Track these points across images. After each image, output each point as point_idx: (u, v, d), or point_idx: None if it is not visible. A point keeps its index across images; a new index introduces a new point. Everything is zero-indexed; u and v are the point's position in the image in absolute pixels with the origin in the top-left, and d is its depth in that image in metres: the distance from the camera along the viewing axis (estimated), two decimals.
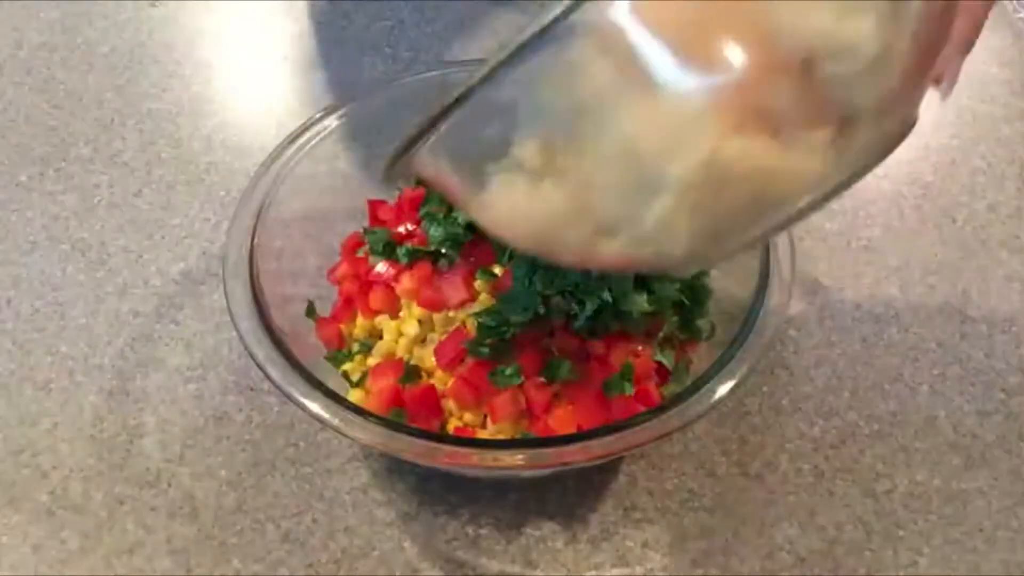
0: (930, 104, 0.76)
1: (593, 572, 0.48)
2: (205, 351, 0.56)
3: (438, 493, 0.50)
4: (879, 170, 0.71)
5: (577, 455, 0.42)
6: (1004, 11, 0.79)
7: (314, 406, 0.42)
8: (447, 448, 0.42)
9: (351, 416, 0.42)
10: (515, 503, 0.50)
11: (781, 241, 0.48)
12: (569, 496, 0.51)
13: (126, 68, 0.74)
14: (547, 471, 0.49)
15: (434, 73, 0.57)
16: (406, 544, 0.49)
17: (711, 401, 0.42)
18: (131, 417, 0.54)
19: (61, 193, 0.65)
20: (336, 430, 0.42)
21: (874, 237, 0.63)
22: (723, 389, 0.42)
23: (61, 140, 0.69)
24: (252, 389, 0.54)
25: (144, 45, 0.76)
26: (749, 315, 0.46)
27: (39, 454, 0.52)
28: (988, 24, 0.81)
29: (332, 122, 0.54)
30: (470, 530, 0.49)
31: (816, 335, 0.57)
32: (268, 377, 0.43)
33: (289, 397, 0.43)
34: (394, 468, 0.51)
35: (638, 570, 0.48)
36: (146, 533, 0.49)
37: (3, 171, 0.67)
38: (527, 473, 0.49)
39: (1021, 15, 0.79)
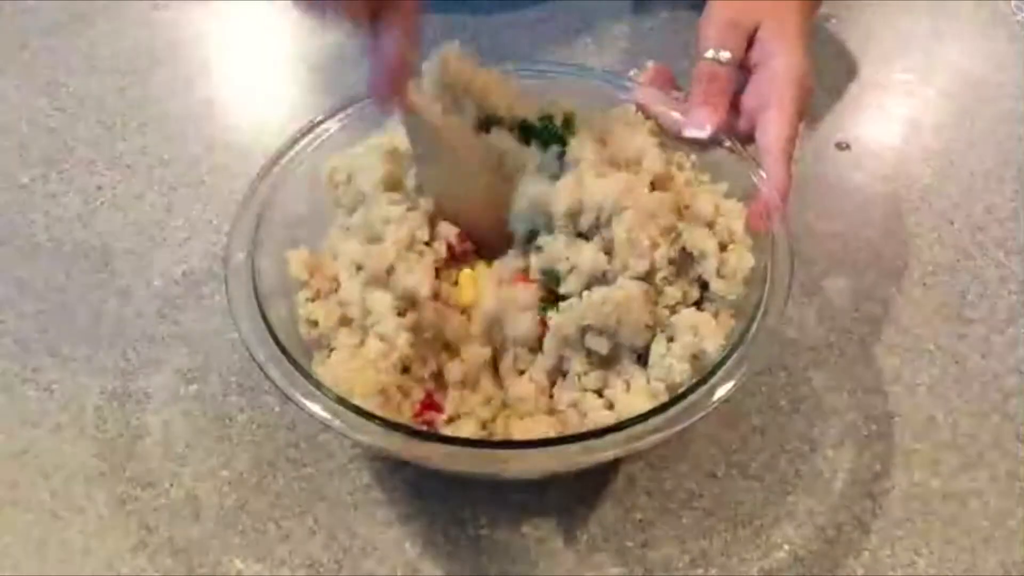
0: (929, 107, 0.77)
1: (593, 572, 0.48)
2: (207, 352, 0.57)
3: (439, 493, 0.51)
4: (878, 172, 0.73)
5: (576, 457, 0.42)
6: (1002, 13, 0.79)
7: (315, 407, 0.42)
8: (446, 449, 0.42)
9: (352, 417, 0.42)
10: (515, 503, 0.50)
11: (780, 244, 0.48)
12: (569, 496, 0.51)
13: (129, 70, 0.74)
14: (546, 473, 0.49)
15: None
16: (407, 544, 0.49)
17: (710, 402, 0.42)
18: (133, 418, 0.54)
19: (64, 195, 0.66)
20: (337, 431, 0.42)
21: (872, 239, 0.63)
22: (723, 390, 0.43)
23: (64, 142, 0.69)
24: (253, 390, 0.55)
25: (147, 47, 0.76)
26: (749, 317, 0.46)
27: (42, 455, 0.52)
28: (986, 26, 0.82)
29: (333, 125, 0.54)
30: (471, 530, 0.50)
31: (815, 336, 0.57)
32: (269, 378, 0.43)
33: (290, 398, 0.43)
34: (395, 468, 0.52)
35: (638, 570, 0.48)
36: (148, 533, 0.49)
37: (6, 173, 0.67)
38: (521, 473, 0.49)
39: (1019, 17, 0.79)
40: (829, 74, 0.74)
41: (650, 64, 0.58)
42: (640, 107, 0.55)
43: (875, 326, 0.58)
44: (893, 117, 0.71)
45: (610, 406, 0.46)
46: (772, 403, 0.54)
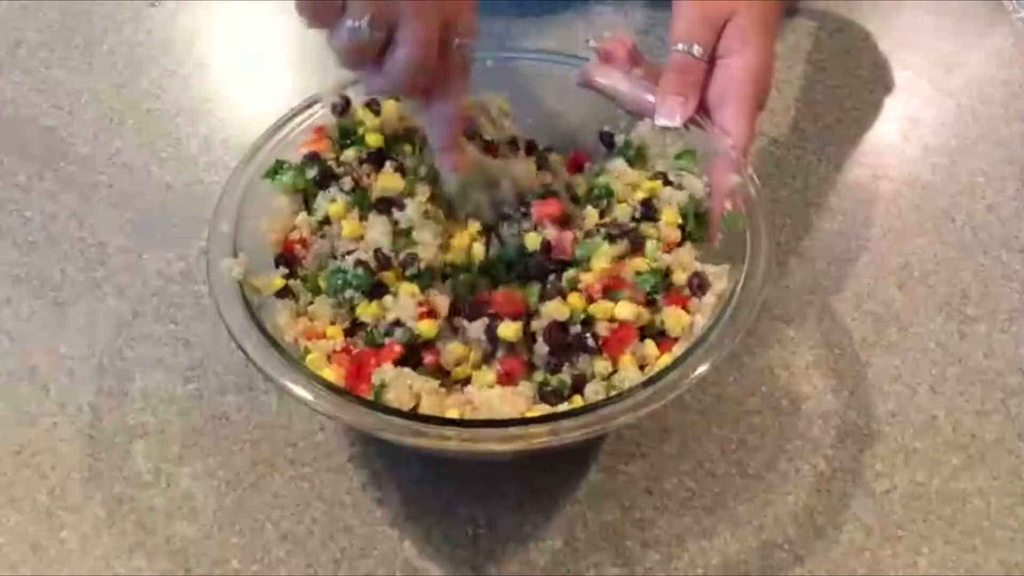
0: (930, 105, 0.77)
1: (593, 572, 0.48)
2: (204, 351, 0.56)
3: (437, 493, 0.50)
4: (879, 171, 0.73)
5: (553, 434, 0.42)
6: (1004, 11, 0.79)
7: (288, 382, 0.43)
8: (430, 429, 0.42)
9: (321, 391, 0.42)
10: (514, 503, 0.50)
11: (764, 227, 0.48)
12: (569, 495, 0.51)
13: (125, 68, 0.74)
14: (525, 451, 0.48)
15: None
16: (405, 544, 0.49)
17: (687, 380, 0.42)
18: (130, 417, 0.54)
19: (60, 193, 0.65)
20: (323, 413, 0.43)
21: (873, 237, 0.63)
22: (701, 368, 0.43)
23: (60, 140, 0.69)
24: (251, 388, 0.54)
25: (143, 45, 0.76)
26: (726, 300, 0.46)
27: (38, 454, 0.52)
28: (988, 24, 0.82)
29: (317, 109, 0.54)
30: (469, 529, 0.49)
31: (815, 335, 0.57)
32: (244, 351, 0.44)
33: (268, 375, 0.43)
34: (393, 468, 0.51)
35: (638, 570, 0.48)
36: (145, 533, 0.49)
37: (2, 171, 0.67)
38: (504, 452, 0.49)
39: (1021, 15, 0.79)
40: (829, 72, 0.74)
41: (607, 34, 0.57)
42: (598, 86, 0.55)
43: (875, 325, 0.58)
44: (894, 115, 0.71)
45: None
46: (772, 402, 0.54)
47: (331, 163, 0.52)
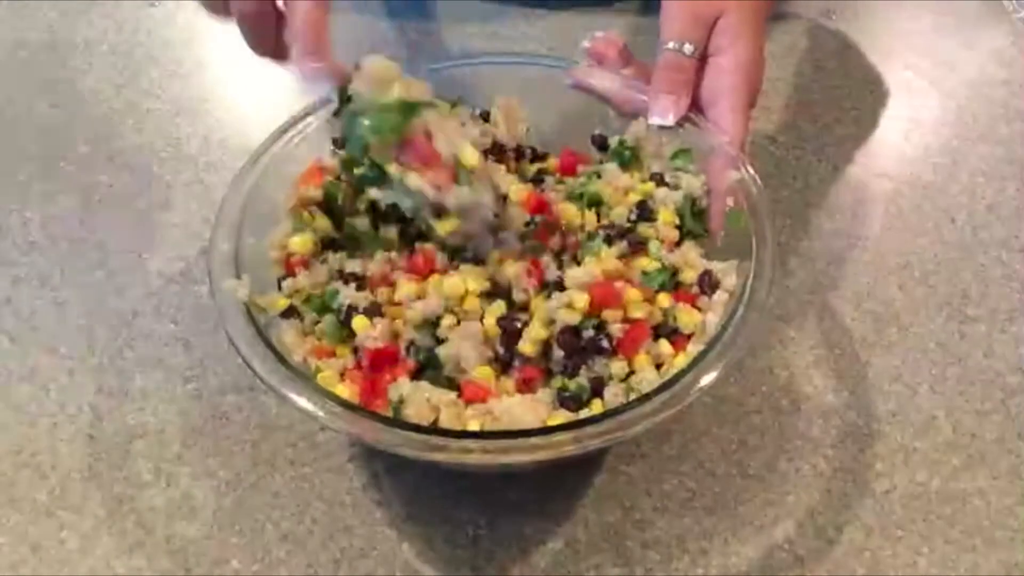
0: (930, 105, 0.77)
1: (593, 572, 0.48)
2: (204, 351, 0.56)
3: (437, 493, 0.50)
4: (879, 171, 0.72)
5: (577, 441, 0.41)
6: (1004, 11, 0.79)
7: (301, 400, 0.42)
8: (451, 442, 0.41)
9: (335, 408, 0.42)
10: (515, 503, 0.50)
11: (767, 221, 0.48)
12: (569, 496, 0.51)
13: (125, 67, 0.74)
14: (533, 464, 0.48)
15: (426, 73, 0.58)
16: (405, 544, 0.49)
17: (693, 391, 0.42)
18: (130, 417, 0.53)
19: (60, 193, 0.65)
20: (325, 425, 0.42)
21: (873, 237, 0.63)
22: (706, 379, 0.42)
23: (60, 139, 0.69)
24: (251, 389, 0.54)
25: (143, 44, 0.76)
26: (732, 307, 0.46)
27: (38, 454, 0.52)
28: (987, 24, 0.82)
29: (322, 115, 0.54)
30: (469, 530, 0.49)
31: (815, 335, 0.57)
32: (253, 371, 0.43)
33: (280, 395, 0.43)
34: (393, 468, 0.51)
35: (638, 570, 0.48)
36: (145, 533, 0.49)
37: (2, 171, 0.67)
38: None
39: (1020, 15, 0.79)
40: (828, 72, 0.73)
41: (599, 34, 0.58)
42: (589, 88, 0.56)
43: (875, 325, 0.58)
44: (894, 114, 0.71)
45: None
46: (772, 402, 0.54)
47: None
